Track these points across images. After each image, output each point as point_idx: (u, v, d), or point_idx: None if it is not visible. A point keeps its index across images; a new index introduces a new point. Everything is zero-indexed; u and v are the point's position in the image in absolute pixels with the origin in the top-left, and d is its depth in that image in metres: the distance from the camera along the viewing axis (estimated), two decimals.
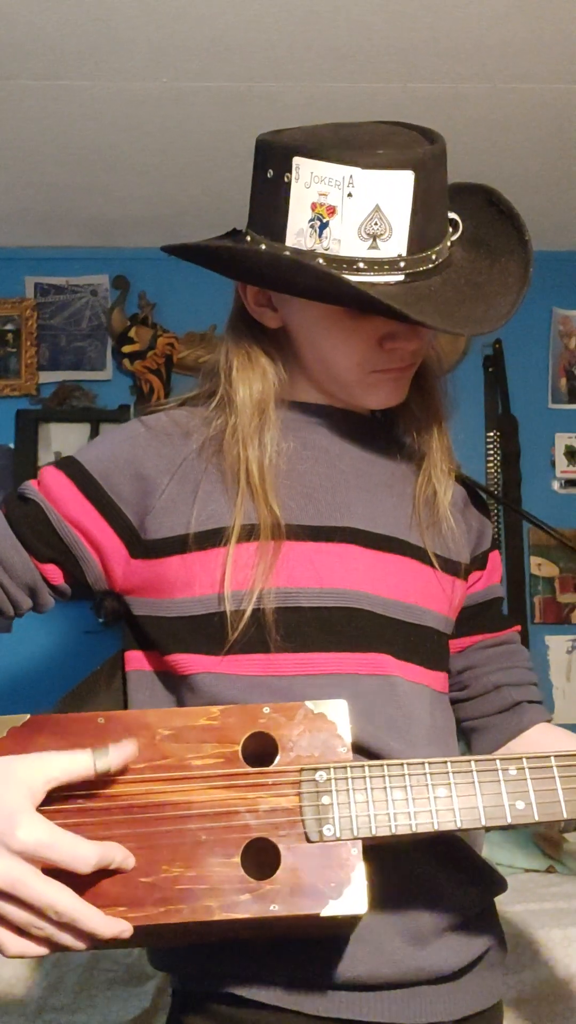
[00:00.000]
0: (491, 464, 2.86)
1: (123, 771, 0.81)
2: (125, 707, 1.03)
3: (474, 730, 1.14)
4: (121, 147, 2.31)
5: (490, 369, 2.90)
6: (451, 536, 1.07)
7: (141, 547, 0.99)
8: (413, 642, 1.01)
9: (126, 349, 2.77)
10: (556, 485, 2.90)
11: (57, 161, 2.38)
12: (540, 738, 1.10)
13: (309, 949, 0.90)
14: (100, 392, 2.80)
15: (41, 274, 2.85)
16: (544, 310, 2.94)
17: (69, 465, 1.03)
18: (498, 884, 1.03)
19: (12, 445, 2.75)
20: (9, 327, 2.81)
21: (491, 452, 2.87)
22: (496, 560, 1.17)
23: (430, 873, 0.95)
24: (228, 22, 1.85)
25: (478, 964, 0.98)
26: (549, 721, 1.12)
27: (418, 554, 1.04)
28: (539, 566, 2.87)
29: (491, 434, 2.88)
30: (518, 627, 1.18)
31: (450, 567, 1.07)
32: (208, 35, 1.89)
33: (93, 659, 1.09)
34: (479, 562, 1.13)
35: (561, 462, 2.90)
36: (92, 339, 2.84)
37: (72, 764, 0.77)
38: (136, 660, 1.03)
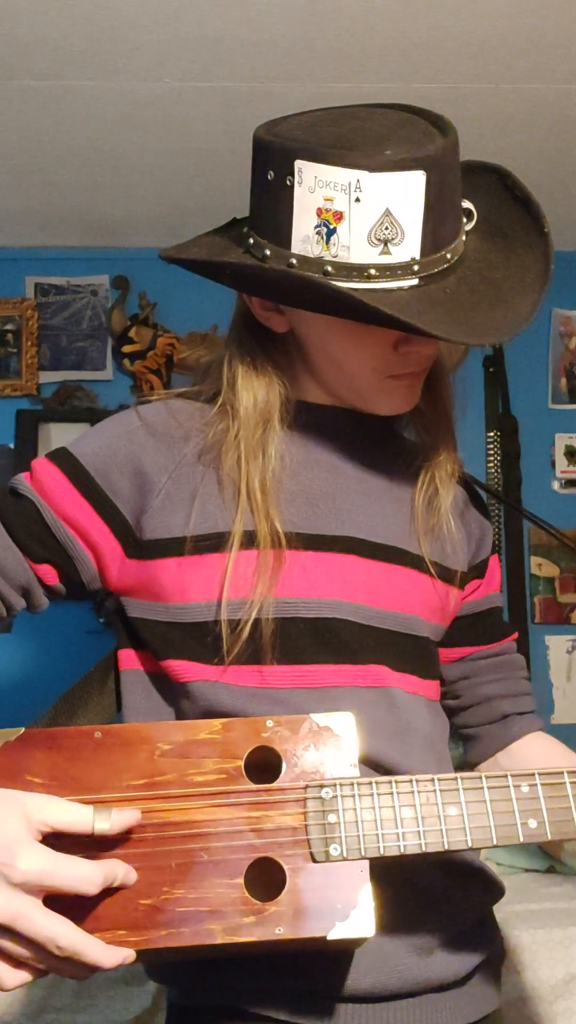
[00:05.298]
0: (491, 464, 2.86)
1: (120, 792, 0.79)
2: (118, 709, 1.01)
3: (467, 738, 1.14)
4: (123, 147, 2.31)
5: (490, 369, 2.90)
6: (450, 541, 1.05)
7: (136, 547, 0.96)
8: (409, 653, 0.99)
9: (126, 349, 2.77)
10: (556, 485, 2.90)
11: (58, 161, 2.38)
12: (527, 749, 1.10)
13: (313, 962, 0.88)
14: (101, 392, 2.80)
15: (41, 274, 2.85)
16: (544, 310, 2.91)
17: (63, 459, 0.99)
18: (498, 890, 1.02)
19: (12, 445, 2.74)
20: (9, 327, 2.80)
21: (491, 452, 2.87)
22: (495, 566, 1.15)
23: (433, 882, 0.94)
24: (230, 22, 1.85)
25: (479, 970, 0.98)
26: (542, 729, 1.12)
27: (416, 563, 1.01)
28: (539, 566, 2.87)
29: (491, 434, 2.88)
30: (515, 635, 1.17)
31: (447, 575, 1.04)
32: (210, 35, 1.89)
33: (93, 659, 1.08)
34: (477, 570, 1.11)
35: (561, 462, 2.89)
36: (93, 339, 2.84)
37: (71, 816, 0.75)
38: (130, 659, 1.00)
